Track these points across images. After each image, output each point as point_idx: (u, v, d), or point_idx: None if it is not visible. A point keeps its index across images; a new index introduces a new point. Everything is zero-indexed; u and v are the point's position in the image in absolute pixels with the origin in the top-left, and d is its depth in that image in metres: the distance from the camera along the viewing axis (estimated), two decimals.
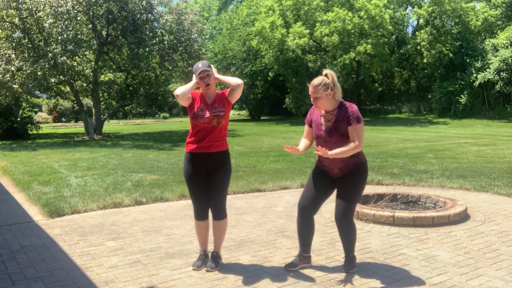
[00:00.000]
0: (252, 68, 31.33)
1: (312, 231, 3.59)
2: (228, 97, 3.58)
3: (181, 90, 3.47)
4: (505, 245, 4.12)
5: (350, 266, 3.51)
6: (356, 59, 25.60)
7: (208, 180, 3.59)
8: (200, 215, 3.67)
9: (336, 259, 3.79)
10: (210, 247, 3.87)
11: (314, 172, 3.59)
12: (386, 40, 26.84)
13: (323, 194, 3.51)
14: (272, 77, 29.64)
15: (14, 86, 15.51)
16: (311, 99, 3.39)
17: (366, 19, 25.46)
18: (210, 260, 3.66)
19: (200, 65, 3.50)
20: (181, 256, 3.94)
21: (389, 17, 26.07)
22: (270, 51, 27.53)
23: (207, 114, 3.49)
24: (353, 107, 3.33)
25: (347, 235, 3.47)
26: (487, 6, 29.18)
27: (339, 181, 3.45)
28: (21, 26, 16.56)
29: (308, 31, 26.30)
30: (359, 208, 5.04)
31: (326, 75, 3.36)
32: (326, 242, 4.28)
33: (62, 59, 15.69)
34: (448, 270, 3.54)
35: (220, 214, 3.62)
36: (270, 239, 4.41)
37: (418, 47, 27.40)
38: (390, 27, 26.35)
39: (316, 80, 3.36)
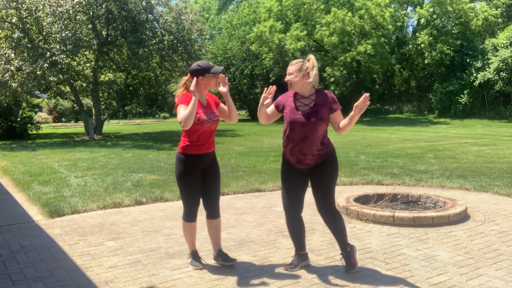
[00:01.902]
0: (253, 72, 31.30)
1: (303, 229, 3.62)
2: (219, 111, 3.64)
3: (185, 119, 3.27)
4: (505, 245, 4.12)
5: (351, 266, 3.51)
6: (357, 58, 25.59)
7: (203, 180, 3.60)
8: (193, 217, 3.64)
9: (336, 259, 3.79)
10: (210, 247, 3.87)
11: (284, 170, 3.55)
12: (386, 40, 26.82)
13: (301, 189, 3.52)
14: (274, 80, 29.66)
15: (13, 84, 15.49)
16: (286, 78, 3.43)
17: (367, 19, 25.44)
18: (226, 258, 3.65)
19: (211, 63, 3.53)
20: (181, 256, 3.94)
21: (389, 15, 26.04)
22: (270, 53, 27.51)
23: (211, 118, 3.52)
24: (331, 94, 3.46)
25: (336, 225, 3.45)
26: (487, 6, 29.18)
27: (311, 173, 3.44)
28: (20, 26, 16.56)
29: (305, 32, 26.26)
30: (359, 208, 5.04)
31: (308, 60, 3.42)
32: (326, 242, 4.28)
33: (60, 56, 15.68)
34: (448, 270, 3.54)
35: (217, 212, 3.67)
36: (270, 239, 4.42)
37: (419, 48, 27.39)
38: (391, 26, 26.33)
39: (296, 60, 3.44)
